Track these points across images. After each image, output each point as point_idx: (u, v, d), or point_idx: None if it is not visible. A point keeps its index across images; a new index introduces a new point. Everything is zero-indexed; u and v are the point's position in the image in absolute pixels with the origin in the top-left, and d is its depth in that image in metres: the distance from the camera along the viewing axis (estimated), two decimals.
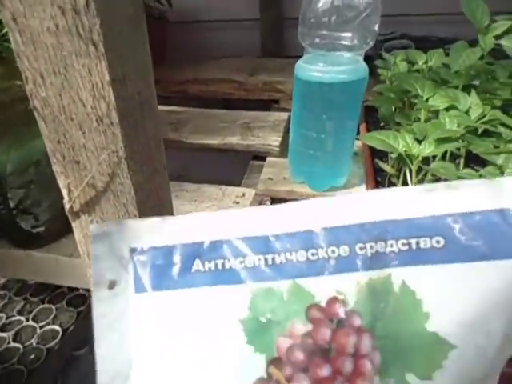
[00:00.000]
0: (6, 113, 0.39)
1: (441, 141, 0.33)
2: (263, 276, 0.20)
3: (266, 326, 0.20)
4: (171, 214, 0.36)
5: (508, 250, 0.18)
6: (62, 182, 0.28)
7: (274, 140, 0.72)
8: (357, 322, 0.19)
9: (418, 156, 0.33)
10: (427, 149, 0.33)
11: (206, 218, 0.22)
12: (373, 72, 0.62)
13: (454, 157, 0.37)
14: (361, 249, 0.19)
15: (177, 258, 0.21)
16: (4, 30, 0.40)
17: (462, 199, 0.19)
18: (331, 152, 0.60)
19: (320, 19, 0.53)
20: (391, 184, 0.45)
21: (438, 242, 0.19)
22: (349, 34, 0.54)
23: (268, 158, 0.73)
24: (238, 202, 0.53)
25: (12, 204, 0.42)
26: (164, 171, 0.33)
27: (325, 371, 0.19)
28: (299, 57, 0.59)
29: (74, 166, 0.27)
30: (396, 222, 0.19)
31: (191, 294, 0.20)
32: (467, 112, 0.40)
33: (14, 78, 0.36)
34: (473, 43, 0.56)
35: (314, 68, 0.56)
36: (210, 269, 0.20)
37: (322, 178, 0.63)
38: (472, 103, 0.40)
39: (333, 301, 0.19)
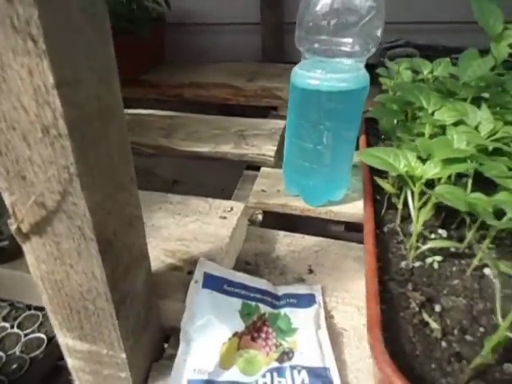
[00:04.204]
0: None
1: (448, 161, 0.29)
2: None
3: None
4: (141, 233, 0.32)
5: None
6: (7, 199, 0.24)
7: (269, 149, 0.68)
8: None
9: (421, 177, 0.29)
10: (433, 170, 0.29)
11: None
12: (375, 81, 0.58)
13: (459, 176, 0.33)
14: None
15: None
16: None
17: None
18: (328, 164, 0.56)
19: (319, 23, 0.49)
20: (391, 204, 0.41)
21: None
22: (349, 40, 0.51)
23: (262, 168, 0.69)
24: (224, 217, 0.49)
25: None
26: (131, 185, 0.29)
27: None
28: None
29: (19, 182, 0.23)
30: None
31: None
32: (476, 127, 0.37)
33: None
34: (481, 53, 0.53)
35: (311, 75, 0.52)
36: None
37: (319, 191, 0.59)
38: (482, 118, 0.36)
39: None
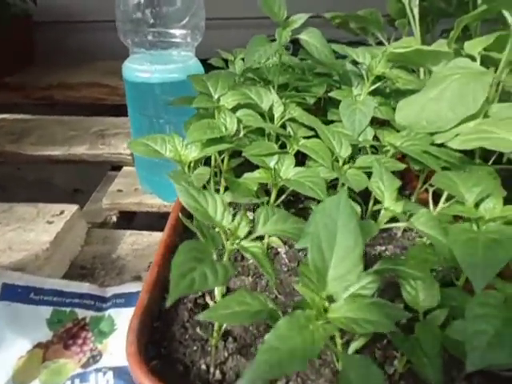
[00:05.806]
0: None
1: (208, 143, 0.29)
2: None
3: None
4: None
5: None
6: None
7: (126, 148, 0.66)
8: None
9: (186, 161, 0.29)
10: (193, 152, 0.29)
11: None
12: None
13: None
14: None
15: None
16: None
17: None
18: None
19: (136, 14, 0.48)
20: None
21: None
22: (176, 31, 0.50)
23: (124, 168, 0.67)
24: (51, 222, 0.46)
25: None
26: None
27: None
28: None
29: None
30: None
31: None
32: (270, 110, 0.38)
33: None
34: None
35: (140, 68, 0.51)
36: None
37: (169, 187, 0.58)
38: (274, 101, 0.38)
39: None
